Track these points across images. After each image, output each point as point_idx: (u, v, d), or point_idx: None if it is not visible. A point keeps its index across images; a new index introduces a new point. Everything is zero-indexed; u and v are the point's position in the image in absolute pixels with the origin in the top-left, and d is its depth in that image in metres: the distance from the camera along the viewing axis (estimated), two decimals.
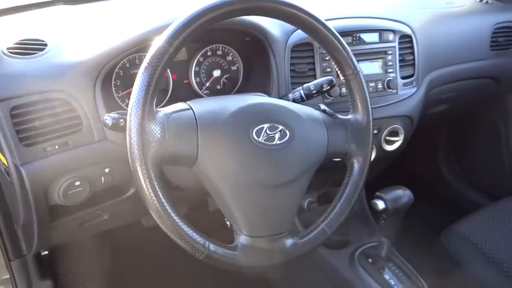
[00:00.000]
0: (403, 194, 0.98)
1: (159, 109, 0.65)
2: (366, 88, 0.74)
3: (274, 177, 0.67)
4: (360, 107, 0.75)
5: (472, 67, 1.30)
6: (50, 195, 0.79)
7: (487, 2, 1.37)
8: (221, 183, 0.65)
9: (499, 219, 1.12)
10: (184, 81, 0.96)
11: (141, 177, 0.59)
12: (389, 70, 1.06)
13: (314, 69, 0.98)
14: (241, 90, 0.99)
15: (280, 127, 0.68)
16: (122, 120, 0.68)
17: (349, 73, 0.74)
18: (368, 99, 0.75)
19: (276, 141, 0.67)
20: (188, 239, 0.61)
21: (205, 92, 0.97)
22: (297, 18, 0.69)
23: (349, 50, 0.73)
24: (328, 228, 0.72)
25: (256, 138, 0.66)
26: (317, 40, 0.74)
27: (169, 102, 0.89)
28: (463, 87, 1.31)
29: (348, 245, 1.20)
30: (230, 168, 0.65)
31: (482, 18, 1.31)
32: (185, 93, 0.95)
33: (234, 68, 0.99)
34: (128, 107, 0.87)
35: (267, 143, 0.66)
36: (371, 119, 0.75)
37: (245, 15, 0.69)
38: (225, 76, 0.98)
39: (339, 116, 0.76)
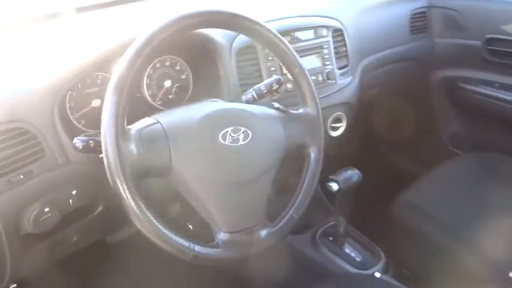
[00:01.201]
0: (352, 174, 1.08)
1: (129, 126, 0.68)
2: (312, 83, 0.82)
3: (243, 175, 0.73)
4: (309, 101, 0.82)
5: (396, 51, 1.44)
6: (21, 225, 0.78)
7: None
8: (197, 186, 0.69)
9: (437, 183, 1.26)
10: (137, 95, 0.98)
11: (123, 192, 0.62)
12: (327, 63, 1.15)
13: (259, 70, 1.04)
14: (193, 97, 1.03)
15: (243, 129, 0.74)
16: (91, 141, 0.70)
17: (296, 71, 0.81)
18: (315, 93, 0.82)
19: (241, 142, 0.73)
20: (174, 243, 0.65)
21: (158, 102, 1.00)
22: (245, 27, 0.75)
23: (294, 51, 0.80)
24: (296, 214, 0.79)
25: (222, 141, 0.72)
26: (265, 45, 0.80)
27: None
28: (390, 71, 1.44)
29: (309, 228, 1.29)
30: (204, 172, 0.70)
31: (401, 6, 1.44)
32: (139, 106, 0.97)
33: (183, 76, 1.02)
34: (84, 127, 0.89)
35: (233, 144, 0.72)
36: (320, 111, 0.83)
37: (207, 27, 0.74)
38: (176, 85, 1.01)
39: (292, 111, 0.83)
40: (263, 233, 0.74)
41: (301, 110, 0.83)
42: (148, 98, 0.98)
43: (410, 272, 1.17)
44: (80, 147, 0.70)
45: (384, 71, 1.41)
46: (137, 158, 0.65)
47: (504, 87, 1.39)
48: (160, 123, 0.70)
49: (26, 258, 0.87)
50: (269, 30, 0.77)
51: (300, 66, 0.80)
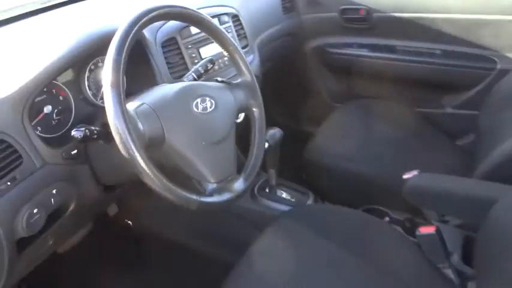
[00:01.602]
0: (275, 132, 1.31)
1: (127, 108, 0.79)
2: (244, 56, 1.01)
3: (217, 135, 0.89)
4: (245, 70, 1.01)
5: (274, 30, 1.71)
6: (16, 230, 0.82)
7: None
8: (185, 150, 0.84)
9: (331, 128, 1.57)
10: (80, 96, 1.05)
11: (140, 162, 0.73)
12: None
13: (183, 58, 1.19)
14: (130, 91, 1.13)
15: (208, 99, 0.90)
16: (87, 130, 0.79)
17: (231, 49, 0.99)
18: (248, 64, 1.02)
19: (209, 110, 0.89)
20: (183, 196, 0.79)
21: (100, 101, 1.08)
22: (193, 17, 0.91)
23: (227, 33, 0.98)
24: (256, 162, 0.98)
25: (196, 110, 0.87)
26: (206, 31, 0.97)
27: (75, 120, 0.99)
28: (274, 47, 1.71)
29: None
30: (188, 137, 0.85)
31: None
32: (85, 106, 1.04)
33: None
34: (42, 133, 0.94)
35: (204, 112, 0.88)
36: (254, 78, 1.03)
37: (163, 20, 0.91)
38: None
39: (233, 82, 1.01)
40: (239, 179, 0.92)
41: (239, 80, 1.02)
42: (92, 98, 1.06)
43: (330, 201, 1.46)
44: (80, 137, 0.78)
45: (270, 48, 1.67)
46: (142, 133, 0.77)
47: (360, 46, 1.77)
48: (146, 103, 0.83)
49: (18, 265, 0.90)
50: (210, 20, 0.94)
51: (233, 44, 0.99)
